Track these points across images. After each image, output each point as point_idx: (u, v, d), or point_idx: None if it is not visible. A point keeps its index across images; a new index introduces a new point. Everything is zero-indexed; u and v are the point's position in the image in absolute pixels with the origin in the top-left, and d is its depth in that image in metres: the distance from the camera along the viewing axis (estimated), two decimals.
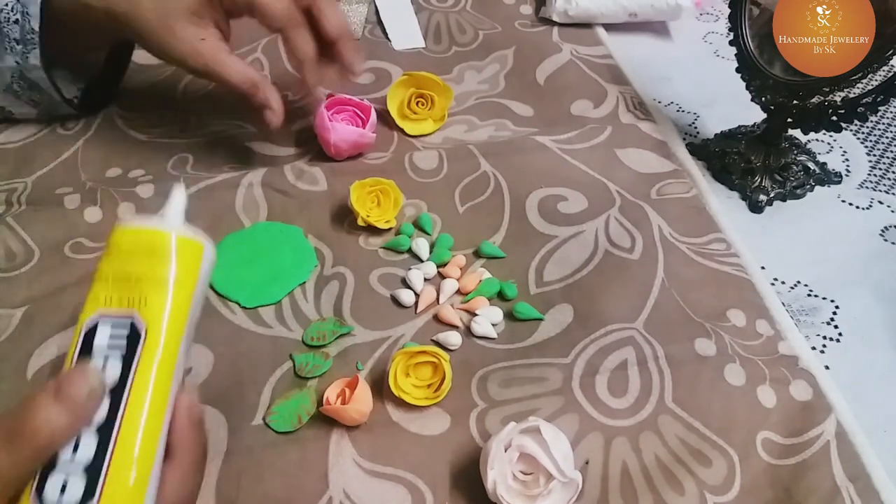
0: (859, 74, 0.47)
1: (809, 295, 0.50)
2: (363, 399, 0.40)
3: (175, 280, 0.29)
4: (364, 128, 0.56)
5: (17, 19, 0.50)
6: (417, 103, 0.59)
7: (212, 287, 0.47)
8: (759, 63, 0.54)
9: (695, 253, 0.51)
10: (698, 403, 0.42)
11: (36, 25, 0.50)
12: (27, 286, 0.47)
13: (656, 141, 0.60)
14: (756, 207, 0.56)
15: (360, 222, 0.50)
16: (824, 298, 0.50)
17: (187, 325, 0.29)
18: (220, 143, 0.59)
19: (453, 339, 0.45)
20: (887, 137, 0.62)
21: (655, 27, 0.75)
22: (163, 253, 0.29)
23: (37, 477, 0.25)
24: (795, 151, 0.58)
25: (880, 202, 0.57)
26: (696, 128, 0.64)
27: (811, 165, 0.58)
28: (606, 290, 0.48)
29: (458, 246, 0.51)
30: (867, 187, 0.58)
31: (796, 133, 0.58)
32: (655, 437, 0.41)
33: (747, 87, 0.56)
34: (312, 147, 0.58)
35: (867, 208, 0.56)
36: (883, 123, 0.64)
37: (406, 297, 0.47)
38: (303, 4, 0.50)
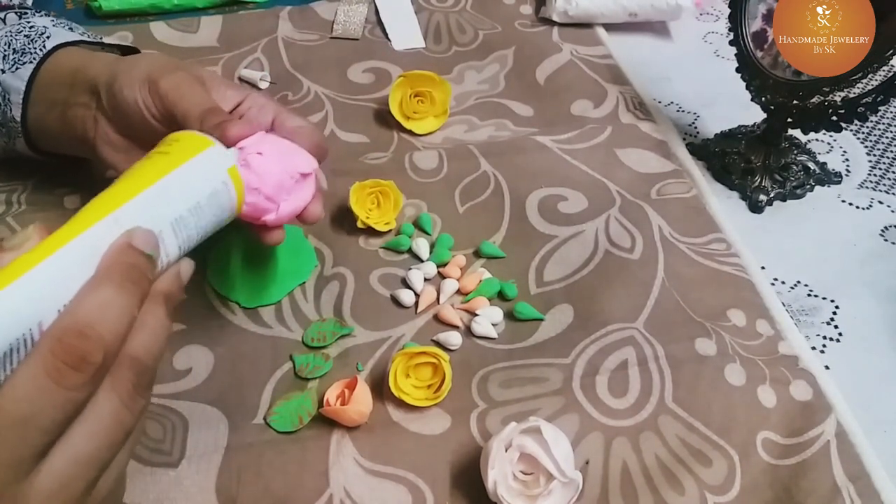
0: (859, 74, 0.47)
1: (809, 295, 0.50)
2: (362, 400, 0.40)
3: (161, 153, 0.32)
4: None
5: None
6: (418, 102, 0.59)
7: (212, 287, 0.47)
8: (759, 63, 0.54)
9: (695, 253, 0.51)
10: (698, 403, 0.42)
11: (17, 114, 0.47)
12: None
13: (656, 141, 0.60)
14: (756, 207, 0.56)
15: (359, 224, 0.50)
16: (824, 298, 0.50)
17: (159, 193, 0.30)
18: None
19: (454, 339, 0.45)
20: (887, 137, 0.62)
21: (655, 27, 0.75)
22: (167, 139, 0.34)
23: None
24: (795, 151, 0.58)
25: (880, 202, 0.57)
26: (696, 128, 0.64)
27: (811, 165, 0.58)
28: (607, 290, 0.48)
29: (458, 246, 0.51)
30: (867, 187, 0.58)
31: (796, 133, 0.58)
32: (656, 437, 0.41)
33: (747, 87, 0.56)
34: None
35: (867, 208, 0.56)
36: (883, 123, 0.64)
37: (406, 297, 0.47)
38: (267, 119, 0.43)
